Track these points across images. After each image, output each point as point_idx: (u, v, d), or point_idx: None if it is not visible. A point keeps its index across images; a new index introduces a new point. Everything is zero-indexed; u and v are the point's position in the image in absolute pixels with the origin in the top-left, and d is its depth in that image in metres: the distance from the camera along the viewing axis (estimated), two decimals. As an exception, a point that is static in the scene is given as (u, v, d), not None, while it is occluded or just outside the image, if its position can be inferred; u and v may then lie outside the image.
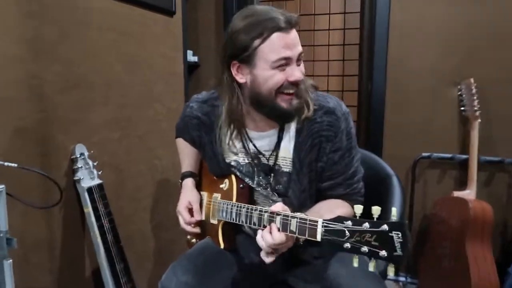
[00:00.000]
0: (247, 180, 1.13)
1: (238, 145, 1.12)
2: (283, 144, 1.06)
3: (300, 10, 2.95)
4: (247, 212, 1.01)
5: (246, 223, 1.02)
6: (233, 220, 1.07)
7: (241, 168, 1.14)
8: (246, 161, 1.12)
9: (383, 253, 0.70)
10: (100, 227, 1.35)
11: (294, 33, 0.96)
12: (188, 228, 1.18)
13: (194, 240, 1.29)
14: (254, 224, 0.98)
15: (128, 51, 1.61)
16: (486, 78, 1.86)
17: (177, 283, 1.02)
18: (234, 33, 0.97)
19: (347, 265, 0.90)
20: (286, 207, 0.91)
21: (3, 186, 0.89)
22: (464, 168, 1.88)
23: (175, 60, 1.97)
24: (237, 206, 1.06)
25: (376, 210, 0.72)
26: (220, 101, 1.11)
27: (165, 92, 1.87)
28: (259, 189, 1.13)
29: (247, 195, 1.13)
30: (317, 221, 0.81)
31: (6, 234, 0.92)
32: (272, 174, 1.09)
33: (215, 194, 1.18)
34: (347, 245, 0.74)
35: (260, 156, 1.09)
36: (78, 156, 1.34)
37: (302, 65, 1.00)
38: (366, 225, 0.72)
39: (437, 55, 1.96)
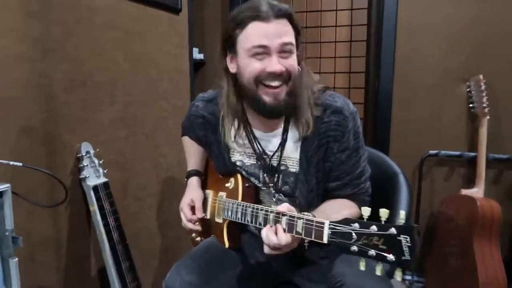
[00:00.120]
0: (252, 179, 1.13)
1: (244, 141, 1.11)
2: (288, 144, 1.05)
3: (307, 6, 2.92)
4: (252, 211, 1.00)
5: (251, 222, 1.01)
6: (238, 220, 1.06)
7: (246, 168, 1.13)
8: (252, 161, 1.11)
9: (391, 257, 0.68)
10: (106, 225, 1.35)
11: (276, 23, 0.93)
12: (190, 225, 1.17)
13: (198, 239, 1.29)
14: (260, 224, 0.97)
15: (134, 49, 1.61)
16: (496, 75, 1.84)
17: (181, 283, 1.02)
18: (226, 23, 1.00)
19: (353, 265, 0.89)
20: (292, 208, 0.90)
21: (8, 185, 0.89)
22: (472, 166, 1.86)
23: (180, 57, 1.96)
24: (243, 206, 1.05)
25: (384, 213, 0.71)
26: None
27: (171, 90, 1.87)
28: (265, 188, 1.12)
29: (253, 195, 1.12)
30: (323, 223, 0.80)
31: (11, 233, 0.92)
32: (277, 175, 1.08)
33: (220, 193, 1.18)
34: (354, 248, 0.73)
35: (265, 156, 1.08)
36: (84, 154, 1.34)
37: (292, 59, 0.97)
38: (374, 228, 0.71)
39: (446, 52, 1.94)
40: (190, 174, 1.27)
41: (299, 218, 0.85)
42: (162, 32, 1.78)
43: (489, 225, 1.67)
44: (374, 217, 0.74)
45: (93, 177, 1.35)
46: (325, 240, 0.78)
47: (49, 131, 1.25)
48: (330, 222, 0.79)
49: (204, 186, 1.27)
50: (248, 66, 0.96)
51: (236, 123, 1.09)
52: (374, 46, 2.19)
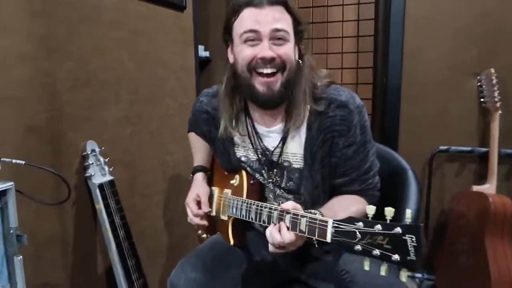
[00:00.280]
0: (257, 175, 1.11)
1: (246, 137, 1.10)
2: (290, 140, 1.03)
3: (313, 2, 2.89)
4: (257, 209, 0.99)
5: (255, 220, 1.00)
6: (242, 217, 1.05)
7: (251, 164, 1.12)
8: (255, 157, 1.10)
9: (396, 257, 0.67)
10: (112, 223, 1.35)
11: (270, 10, 0.93)
12: (196, 220, 1.17)
13: (204, 235, 1.28)
14: (264, 222, 0.96)
15: (139, 47, 1.60)
16: (508, 68, 1.80)
17: (186, 280, 1.01)
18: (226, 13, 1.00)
19: (360, 260, 0.88)
20: (297, 206, 0.89)
21: (11, 183, 0.90)
22: (484, 162, 1.83)
23: (186, 55, 1.95)
24: (247, 203, 1.04)
25: (389, 212, 0.69)
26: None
27: (176, 87, 1.86)
28: (269, 185, 1.10)
29: (258, 192, 1.11)
30: (327, 222, 0.78)
31: (16, 231, 0.93)
32: (280, 171, 1.07)
33: (225, 190, 1.17)
34: (358, 247, 0.71)
35: (268, 152, 1.07)
36: (89, 152, 1.34)
37: (286, 47, 0.95)
38: (378, 227, 0.69)
39: (455, 45, 1.89)
40: (196, 170, 1.26)
41: (302, 216, 0.84)
42: (167, 29, 1.78)
43: (502, 221, 1.63)
44: (381, 215, 0.72)
45: (98, 175, 1.36)
46: (328, 239, 0.77)
47: (53, 130, 1.25)
48: (334, 220, 0.77)
49: (210, 184, 1.26)
50: (240, 52, 0.96)
51: (234, 116, 1.07)
52: (381, 41, 2.16)
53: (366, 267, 0.72)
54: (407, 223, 0.67)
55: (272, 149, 1.06)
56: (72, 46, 1.30)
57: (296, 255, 1.02)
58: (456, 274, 1.78)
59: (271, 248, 0.90)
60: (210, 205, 1.20)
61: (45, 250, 1.24)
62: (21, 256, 0.94)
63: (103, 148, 1.38)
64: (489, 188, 1.74)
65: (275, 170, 1.08)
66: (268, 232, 0.90)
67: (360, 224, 0.72)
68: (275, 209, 0.92)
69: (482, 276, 1.62)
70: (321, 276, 1.08)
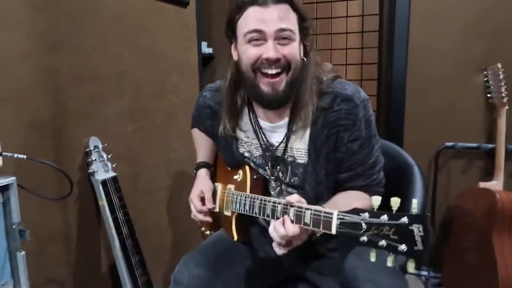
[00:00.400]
0: (261, 171, 1.10)
1: (251, 132, 1.08)
2: (294, 135, 1.02)
3: (317, -2, 2.88)
4: (260, 203, 0.98)
5: (259, 214, 0.99)
6: (246, 212, 1.04)
7: (254, 159, 1.11)
8: (259, 152, 1.09)
9: (403, 247, 0.65)
10: (115, 219, 1.35)
11: (275, 8, 0.90)
12: (200, 217, 1.16)
13: (208, 232, 1.28)
14: (268, 216, 0.94)
15: (141, 43, 1.60)
16: (515, 63, 1.77)
17: (189, 276, 1.00)
18: (229, 9, 0.99)
19: (364, 258, 0.86)
20: (302, 199, 0.88)
21: (13, 178, 0.90)
22: (491, 158, 1.80)
23: (189, 51, 1.95)
24: (251, 198, 1.03)
25: (395, 202, 0.68)
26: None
27: (179, 84, 1.86)
28: (273, 181, 1.09)
29: (261, 187, 1.10)
30: (332, 213, 0.77)
31: (18, 226, 0.92)
32: (284, 166, 1.06)
33: (229, 186, 1.16)
34: (364, 238, 0.70)
35: (272, 148, 1.06)
36: (92, 148, 1.33)
37: (291, 46, 0.93)
38: (384, 217, 0.68)
39: (461, 40, 1.87)
40: (199, 166, 1.25)
41: (307, 208, 0.82)
42: (170, 25, 1.77)
43: (509, 218, 1.61)
44: (386, 209, 0.71)
45: (101, 171, 1.35)
46: (333, 231, 0.76)
47: (56, 126, 1.25)
48: (339, 212, 0.76)
49: (213, 179, 1.26)
50: (245, 52, 0.94)
51: (237, 112, 1.07)
52: (386, 36, 2.14)
53: (373, 259, 0.71)
54: (414, 213, 0.66)
55: (277, 144, 1.05)
56: (74, 42, 1.29)
57: (300, 252, 1.01)
58: (463, 272, 1.75)
59: (276, 247, 0.89)
60: (214, 201, 1.19)
61: (48, 246, 1.23)
62: (23, 252, 0.94)
63: (106, 144, 1.38)
64: (496, 184, 1.72)
65: (279, 165, 1.07)
66: (271, 227, 0.88)
67: (366, 215, 0.70)
68: (279, 203, 0.91)
69: (489, 274, 1.60)
70: (325, 273, 1.06)
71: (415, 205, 0.66)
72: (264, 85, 0.95)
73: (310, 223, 0.81)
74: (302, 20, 0.96)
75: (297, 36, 0.94)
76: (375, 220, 0.69)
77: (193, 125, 1.33)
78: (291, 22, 0.93)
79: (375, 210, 0.71)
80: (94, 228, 1.41)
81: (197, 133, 1.31)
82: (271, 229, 0.88)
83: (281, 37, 0.92)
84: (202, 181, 1.21)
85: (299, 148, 1.03)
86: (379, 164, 1.04)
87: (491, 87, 1.78)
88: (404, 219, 0.65)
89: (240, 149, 1.12)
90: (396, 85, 2.02)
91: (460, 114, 1.92)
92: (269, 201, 0.95)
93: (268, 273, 1.14)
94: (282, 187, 1.09)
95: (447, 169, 1.98)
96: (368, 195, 1.01)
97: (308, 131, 1.00)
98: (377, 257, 0.71)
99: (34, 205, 1.16)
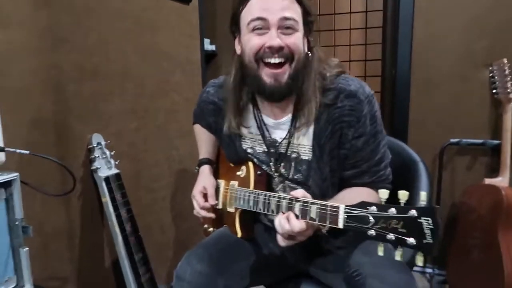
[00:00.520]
0: (264, 167, 1.09)
1: (254, 128, 1.07)
2: (297, 131, 1.01)
3: (320, -6, 2.86)
4: (264, 199, 0.97)
5: (263, 210, 0.98)
6: (250, 208, 1.03)
7: (257, 155, 1.10)
8: (263, 148, 1.08)
9: (411, 240, 0.64)
10: (118, 216, 1.35)
11: None
12: (203, 213, 1.15)
13: (211, 229, 1.26)
14: (272, 211, 0.93)
15: (144, 40, 1.59)
16: (521, 58, 1.75)
17: (192, 272, 0.99)
18: (233, 2, 0.98)
19: (371, 254, 0.85)
20: (307, 194, 0.86)
21: (17, 174, 0.89)
22: (496, 154, 1.79)
23: (192, 49, 1.94)
24: (255, 194, 1.02)
25: (403, 195, 0.67)
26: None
27: (182, 81, 1.85)
28: (277, 177, 1.08)
29: (265, 183, 1.08)
30: (338, 207, 0.76)
31: (21, 222, 0.92)
32: (288, 162, 1.05)
33: (232, 182, 1.15)
34: (372, 232, 0.69)
35: (275, 144, 1.05)
36: (95, 145, 1.33)
37: (295, 37, 0.92)
38: (393, 210, 0.67)
39: (466, 35, 1.86)
40: (201, 163, 1.24)
41: (313, 203, 0.81)
42: (172, 22, 1.76)
43: (515, 215, 1.60)
44: (393, 203, 0.70)
45: (104, 168, 1.35)
46: (340, 225, 0.75)
47: (59, 122, 1.25)
48: (346, 206, 0.75)
49: (215, 176, 1.24)
50: (248, 42, 0.93)
51: (241, 108, 1.05)
52: (390, 32, 2.12)
53: (380, 253, 0.69)
54: (422, 205, 0.64)
55: (280, 140, 1.04)
56: (76, 39, 1.29)
57: (304, 248, 1.00)
58: (468, 269, 1.74)
59: (280, 239, 0.88)
60: (217, 198, 1.18)
61: (51, 243, 1.23)
62: (27, 248, 0.94)
63: (109, 141, 1.37)
64: (501, 181, 1.71)
65: (282, 161, 1.06)
66: (277, 221, 0.87)
67: (373, 208, 0.69)
68: (284, 198, 0.89)
69: (495, 271, 1.59)
70: (329, 269, 1.05)
71: (423, 197, 0.65)
72: (267, 76, 0.94)
73: (316, 217, 0.80)
74: (306, 14, 0.95)
75: (300, 28, 0.94)
76: (383, 213, 0.68)
77: (195, 121, 1.33)
78: (295, 12, 0.92)
79: (383, 203, 0.70)
80: (97, 225, 1.41)
81: (199, 129, 1.30)
82: (276, 224, 0.87)
83: (285, 26, 0.91)
84: (205, 178, 1.20)
85: (303, 145, 1.02)
86: (386, 160, 1.02)
87: (497, 82, 1.76)
88: (413, 212, 0.64)
89: (243, 145, 1.11)
90: (400, 81, 2.00)
91: (465, 110, 1.90)
92: (273, 197, 0.94)
93: (271, 270, 1.13)
94: (286, 183, 1.08)
95: (452, 166, 1.97)
96: (374, 191, 1.00)
97: (312, 128, 0.99)
98: (385, 251, 0.70)
99: (37, 201, 1.16)
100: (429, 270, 1.98)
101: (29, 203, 0.93)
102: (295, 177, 1.05)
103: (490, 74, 1.81)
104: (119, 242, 1.35)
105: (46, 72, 1.19)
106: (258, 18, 0.91)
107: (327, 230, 0.98)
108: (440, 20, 1.90)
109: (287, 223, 0.85)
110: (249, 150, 1.11)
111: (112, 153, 1.37)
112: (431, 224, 0.62)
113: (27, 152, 0.90)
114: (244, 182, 1.09)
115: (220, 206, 1.19)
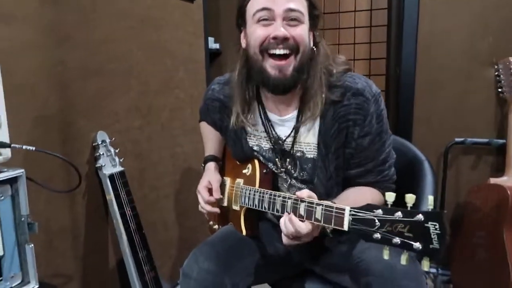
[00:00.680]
0: (270, 165, 1.09)
1: (259, 125, 1.07)
2: (303, 129, 1.01)
3: (325, -8, 2.85)
4: (270, 198, 0.97)
5: (269, 209, 0.98)
6: (255, 207, 1.03)
7: (264, 153, 1.10)
8: (268, 146, 1.08)
9: (418, 245, 0.64)
10: (123, 214, 1.35)
11: None
12: (207, 208, 1.15)
13: (216, 227, 1.27)
14: (277, 211, 0.93)
15: (148, 38, 1.59)
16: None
17: (199, 270, 0.99)
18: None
19: (375, 248, 0.84)
20: (312, 194, 0.86)
21: (22, 170, 0.89)
22: (501, 154, 1.77)
23: (196, 47, 1.94)
24: (260, 192, 1.02)
25: (410, 199, 0.66)
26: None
27: (186, 79, 1.85)
28: (282, 175, 1.08)
29: (271, 181, 1.08)
30: (344, 209, 0.76)
31: (27, 219, 0.92)
32: (293, 160, 1.05)
33: (237, 180, 1.15)
34: (377, 235, 0.68)
35: (280, 141, 1.05)
36: (100, 143, 1.33)
37: (300, 28, 0.92)
38: (399, 214, 0.66)
39: (472, 34, 1.84)
40: (207, 160, 1.24)
41: (318, 204, 0.81)
42: (177, 20, 1.76)
43: (520, 214, 1.59)
44: (398, 205, 0.70)
45: (109, 166, 1.35)
46: (345, 227, 0.74)
47: (64, 120, 1.25)
48: (351, 208, 0.75)
49: (221, 174, 1.24)
50: (253, 33, 0.93)
51: (246, 104, 1.05)
52: (395, 30, 2.11)
53: (386, 256, 0.69)
54: (429, 209, 0.64)
55: (285, 137, 1.04)
56: (81, 36, 1.29)
57: (309, 247, 0.99)
58: (473, 269, 1.74)
59: (284, 239, 0.88)
60: (222, 195, 1.18)
61: (56, 240, 1.23)
62: (32, 244, 0.94)
63: (113, 139, 1.38)
64: (507, 180, 1.69)
65: (288, 159, 1.06)
66: (282, 222, 0.87)
67: (379, 211, 0.69)
68: (289, 198, 0.89)
69: (500, 270, 1.58)
70: (335, 267, 1.05)
71: (431, 202, 0.64)
72: (272, 68, 0.93)
73: (321, 219, 0.80)
74: (312, 7, 0.95)
75: (306, 20, 0.93)
76: (389, 216, 0.67)
77: (201, 119, 1.32)
78: (300, 4, 0.92)
79: (389, 206, 0.70)
80: (102, 222, 1.41)
81: (205, 127, 1.30)
82: (281, 224, 0.87)
83: (290, 17, 0.91)
84: (210, 173, 1.20)
85: (308, 143, 1.02)
86: (390, 160, 1.02)
87: (502, 81, 1.75)
88: (420, 217, 0.64)
89: (249, 143, 1.11)
90: (404, 79, 1.99)
91: (470, 109, 1.89)
92: (278, 196, 0.94)
93: (276, 268, 1.13)
94: (292, 182, 1.07)
95: (457, 165, 1.96)
96: (379, 191, 1.00)
97: (317, 125, 0.99)
98: (390, 254, 0.70)
99: (41, 199, 1.16)
100: (433, 270, 1.98)
101: (33, 201, 0.93)
102: (301, 174, 1.05)
103: (496, 73, 1.80)
104: (123, 239, 1.35)
105: (51, 69, 1.19)
106: (264, 9, 0.90)
107: (331, 231, 0.98)
108: (445, 19, 1.88)
109: (291, 225, 0.85)
110: (255, 148, 1.11)
111: (117, 151, 1.38)
112: (439, 229, 0.62)
113: (33, 148, 0.90)
114: (249, 180, 1.09)
115: (225, 204, 1.19)
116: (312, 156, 1.02)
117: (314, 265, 1.11)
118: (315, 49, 0.97)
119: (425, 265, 0.64)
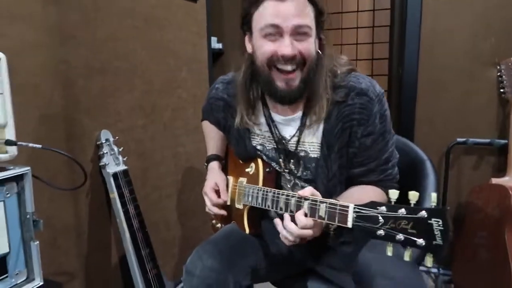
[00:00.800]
0: (273, 164, 1.10)
1: (263, 125, 1.08)
2: (306, 129, 1.01)
3: (327, -8, 2.85)
4: (273, 196, 0.97)
5: (272, 208, 0.98)
6: (258, 205, 1.03)
7: (267, 152, 1.10)
8: (272, 146, 1.08)
9: (421, 241, 0.64)
10: (126, 212, 1.36)
11: (292, 2, 0.88)
12: (215, 210, 1.15)
13: (219, 225, 1.27)
14: (281, 209, 0.94)
15: (152, 37, 1.60)
16: (529, 57, 1.73)
17: (202, 268, 1.00)
18: (244, 1, 0.97)
19: (378, 251, 0.85)
20: (316, 192, 0.87)
21: (28, 168, 0.90)
22: (503, 154, 1.77)
23: (199, 46, 1.94)
24: (263, 191, 1.02)
25: (413, 196, 0.67)
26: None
27: (189, 79, 1.85)
28: (286, 174, 1.09)
29: (274, 180, 1.09)
30: (348, 206, 0.76)
31: (32, 216, 0.92)
32: (297, 160, 1.05)
33: (240, 179, 1.15)
34: (381, 232, 0.69)
35: (284, 141, 1.05)
36: (104, 142, 1.34)
37: (308, 42, 0.91)
38: (402, 211, 0.67)
39: (474, 34, 1.84)
40: (210, 159, 1.25)
41: (322, 202, 0.81)
42: (180, 20, 1.77)
43: (522, 215, 1.59)
44: (401, 203, 0.70)
45: (112, 164, 1.36)
46: (349, 224, 0.75)
47: (68, 118, 1.25)
48: (355, 205, 0.75)
49: (224, 172, 1.25)
50: (260, 47, 0.93)
51: (251, 105, 1.05)
52: (398, 31, 2.11)
53: (389, 253, 0.70)
54: (433, 206, 0.64)
55: (289, 137, 1.04)
56: (85, 35, 1.29)
57: (311, 246, 1.00)
58: (474, 269, 1.74)
59: (283, 237, 0.89)
60: None
61: (60, 238, 1.24)
62: (37, 241, 0.94)
63: (117, 137, 1.38)
64: (508, 180, 1.69)
65: (291, 159, 1.06)
66: (280, 226, 0.89)
67: (383, 208, 0.69)
68: (292, 196, 0.90)
69: (501, 271, 1.58)
70: (336, 267, 1.06)
71: (434, 198, 0.65)
72: (279, 81, 0.94)
73: (325, 216, 0.80)
74: (319, 15, 0.94)
75: (313, 32, 0.93)
76: (392, 213, 0.68)
77: (204, 118, 1.33)
78: (308, 17, 0.91)
79: (393, 203, 0.70)
80: (105, 220, 1.42)
81: (207, 126, 1.31)
82: (280, 228, 0.88)
83: (298, 32, 0.90)
84: (216, 174, 1.20)
85: (312, 142, 1.02)
86: (393, 159, 1.03)
87: (505, 81, 1.75)
88: (423, 213, 0.64)
89: (252, 142, 1.12)
90: (407, 80, 2.00)
91: (472, 109, 1.89)
92: (282, 194, 0.94)
93: (279, 267, 1.13)
94: (295, 181, 1.08)
95: (458, 165, 1.96)
96: (381, 190, 1.01)
97: (321, 125, 0.99)
98: (393, 251, 0.70)
99: (45, 197, 1.17)
100: (434, 270, 1.98)
101: (37, 198, 0.94)
102: (304, 174, 1.06)
103: (498, 73, 1.80)
104: (126, 237, 1.36)
105: (55, 68, 1.20)
106: (272, 25, 0.89)
107: (333, 230, 0.99)
108: (447, 19, 1.88)
109: (292, 225, 0.86)
110: (258, 147, 1.11)
111: (120, 150, 1.38)
112: (442, 226, 0.62)
113: (39, 146, 0.91)
114: (252, 179, 1.10)
115: (228, 202, 1.20)
116: (315, 155, 1.02)
117: (317, 264, 1.11)
118: (320, 52, 0.97)
119: (429, 261, 0.65)
